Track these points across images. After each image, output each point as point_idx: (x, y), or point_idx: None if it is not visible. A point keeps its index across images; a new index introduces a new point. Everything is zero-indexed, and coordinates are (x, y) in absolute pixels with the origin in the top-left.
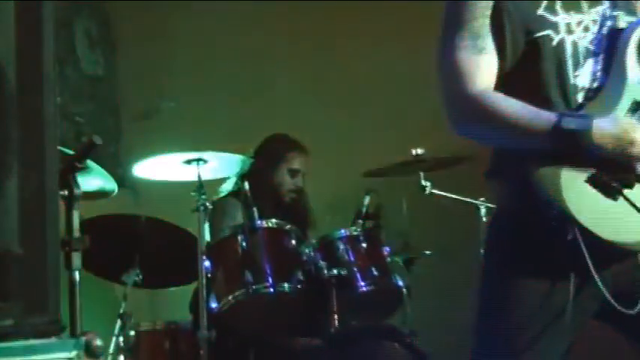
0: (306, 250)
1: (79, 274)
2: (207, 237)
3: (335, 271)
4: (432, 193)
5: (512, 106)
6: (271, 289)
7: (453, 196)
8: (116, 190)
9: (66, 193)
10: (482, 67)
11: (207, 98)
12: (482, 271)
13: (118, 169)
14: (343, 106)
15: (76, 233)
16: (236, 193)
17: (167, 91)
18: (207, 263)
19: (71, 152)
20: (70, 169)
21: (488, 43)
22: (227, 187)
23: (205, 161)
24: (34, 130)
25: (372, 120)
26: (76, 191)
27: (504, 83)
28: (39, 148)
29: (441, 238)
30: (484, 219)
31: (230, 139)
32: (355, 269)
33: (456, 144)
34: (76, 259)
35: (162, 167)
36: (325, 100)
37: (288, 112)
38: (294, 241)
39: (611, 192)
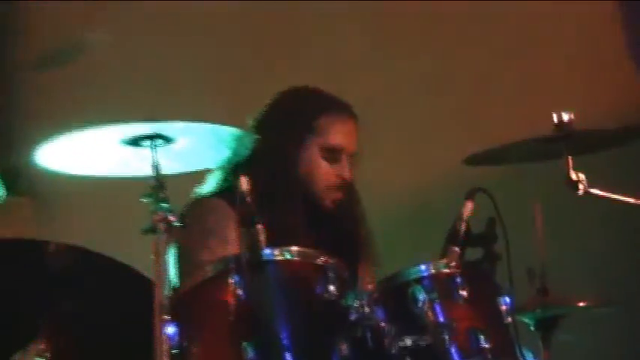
0: (357, 303)
1: None
2: (173, 279)
3: (410, 341)
4: (589, 194)
5: None
6: None
7: (631, 200)
8: (3, 198)
9: None
10: None
11: (171, 33)
12: None
13: (4, 157)
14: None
15: None
16: (226, 194)
17: (98, 17)
18: (171, 329)
19: None
20: None
21: None
22: (209, 187)
23: (167, 139)
24: None
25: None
26: None
27: None
28: None
29: (609, 276)
30: None
31: (214, 105)
32: (447, 337)
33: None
34: None
35: (87, 153)
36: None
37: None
38: (333, 286)
39: None
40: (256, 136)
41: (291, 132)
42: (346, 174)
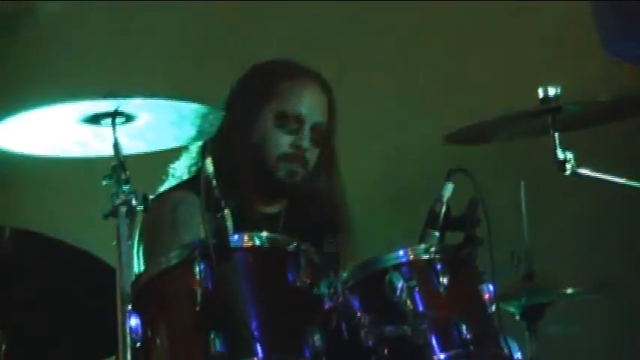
0: (331, 291)
1: None
2: (136, 267)
3: (387, 331)
4: (576, 174)
5: None
6: None
7: (620, 180)
8: None
9: None
10: None
11: None
12: None
13: None
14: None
15: None
16: (195, 183)
17: None
18: (134, 321)
19: None
20: None
21: None
22: (179, 171)
23: (129, 117)
24: None
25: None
26: None
27: None
28: None
29: (598, 263)
30: None
31: (178, 79)
32: (427, 327)
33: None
34: None
35: (41, 130)
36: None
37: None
38: (304, 274)
39: None
40: (221, 112)
41: (249, 99)
42: (302, 143)
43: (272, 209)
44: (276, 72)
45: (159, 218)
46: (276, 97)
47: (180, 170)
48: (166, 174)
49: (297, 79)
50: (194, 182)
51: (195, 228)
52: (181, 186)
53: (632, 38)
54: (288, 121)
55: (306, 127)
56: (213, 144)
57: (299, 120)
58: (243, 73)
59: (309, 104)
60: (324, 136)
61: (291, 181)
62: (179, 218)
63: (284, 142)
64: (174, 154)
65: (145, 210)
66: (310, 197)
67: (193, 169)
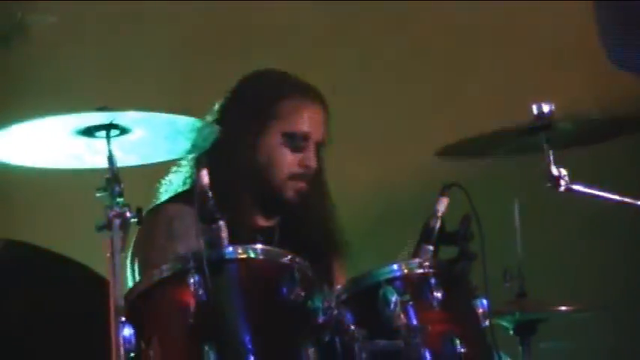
0: (324, 305)
1: None
2: (130, 280)
3: (381, 345)
4: (570, 190)
5: None
6: None
7: (615, 197)
8: None
9: None
10: None
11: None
12: None
13: None
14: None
15: None
16: (190, 196)
17: None
18: (127, 331)
19: None
20: None
21: None
22: (174, 184)
23: (123, 130)
24: None
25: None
26: None
27: None
28: None
29: (592, 279)
30: None
31: (171, 94)
32: (420, 342)
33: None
34: None
35: (35, 143)
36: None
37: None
38: (299, 287)
39: None
40: (216, 127)
41: (250, 117)
42: (311, 162)
43: (267, 222)
44: (277, 88)
45: (153, 232)
46: (281, 116)
47: (175, 183)
48: (161, 187)
49: (299, 97)
50: (190, 194)
51: (190, 241)
52: (176, 198)
53: (635, 48)
54: (295, 139)
55: (312, 145)
56: (210, 158)
57: (305, 138)
58: (237, 87)
59: (312, 122)
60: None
61: (298, 199)
62: (174, 232)
63: (292, 161)
64: (168, 167)
65: (139, 223)
66: (303, 212)
67: (189, 181)
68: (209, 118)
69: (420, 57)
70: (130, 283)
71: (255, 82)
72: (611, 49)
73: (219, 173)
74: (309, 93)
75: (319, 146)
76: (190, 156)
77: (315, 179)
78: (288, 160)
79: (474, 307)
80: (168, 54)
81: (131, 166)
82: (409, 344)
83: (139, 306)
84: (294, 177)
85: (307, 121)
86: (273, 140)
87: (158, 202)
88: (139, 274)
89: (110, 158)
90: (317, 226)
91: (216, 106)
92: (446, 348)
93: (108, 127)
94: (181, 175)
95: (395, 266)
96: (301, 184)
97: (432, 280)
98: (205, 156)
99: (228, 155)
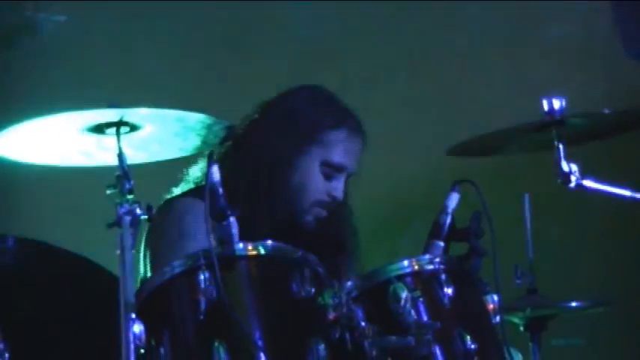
0: (334, 301)
1: None
2: (142, 272)
3: (391, 342)
4: (581, 186)
5: None
6: None
7: (626, 192)
8: None
9: None
10: None
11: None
12: None
13: None
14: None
15: None
16: (202, 191)
17: None
18: (137, 328)
19: None
20: None
21: None
22: (193, 176)
23: (133, 127)
24: None
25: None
26: None
27: None
28: None
29: (603, 275)
30: None
31: (181, 90)
32: (431, 338)
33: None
34: None
35: (45, 140)
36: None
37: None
38: (309, 284)
39: None
40: (229, 125)
41: (295, 136)
42: (339, 194)
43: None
44: (327, 116)
45: (165, 227)
46: (325, 145)
47: (194, 175)
48: (181, 178)
49: (346, 130)
50: (202, 190)
51: (201, 238)
52: (190, 193)
53: None
54: (332, 169)
55: (344, 177)
56: (236, 157)
57: (341, 170)
58: (285, 100)
59: (352, 156)
60: None
61: (314, 226)
62: (185, 228)
63: (322, 188)
64: (178, 164)
65: (149, 220)
66: (317, 238)
67: (200, 181)
68: (244, 117)
69: (431, 56)
70: (143, 274)
71: (306, 101)
72: (629, 44)
73: (245, 175)
74: (356, 127)
75: (349, 176)
76: (200, 153)
77: (338, 206)
78: (319, 187)
79: (484, 304)
80: (178, 51)
81: (141, 163)
82: (420, 341)
83: (149, 303)
84: (319, 204)
85: (348, 155)
86: (311, 165)
87: (175, 193)
88: (151, 268)
89: (120, 155)
90: (333, 232)
91: (256, 109)
92: (456, 344)
93: (118, 124)
94: (202, 168)
95: (405, 262)
96: (323, 212)
97: (443, 277)
98: (230, 154)
99: (259, 162)
